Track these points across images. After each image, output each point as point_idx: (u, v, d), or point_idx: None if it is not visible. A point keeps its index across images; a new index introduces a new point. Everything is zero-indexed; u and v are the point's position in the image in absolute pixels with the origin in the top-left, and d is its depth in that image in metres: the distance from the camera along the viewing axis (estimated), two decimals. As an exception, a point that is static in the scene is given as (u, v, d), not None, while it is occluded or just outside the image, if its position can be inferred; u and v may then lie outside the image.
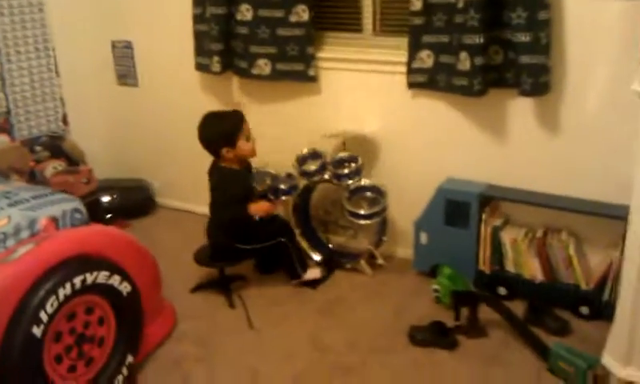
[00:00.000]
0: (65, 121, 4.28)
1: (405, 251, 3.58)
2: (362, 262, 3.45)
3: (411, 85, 3.31)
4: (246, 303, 3.24)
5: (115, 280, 2.55)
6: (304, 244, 3.56)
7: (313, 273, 3.40)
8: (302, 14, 3.45)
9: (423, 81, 3.28)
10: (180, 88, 4.06)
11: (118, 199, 4.20)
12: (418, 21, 3.19)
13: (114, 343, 2.62)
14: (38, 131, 4.12)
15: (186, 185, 4.25)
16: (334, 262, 3.53)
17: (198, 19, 3.70)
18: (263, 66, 3.58)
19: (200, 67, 3.79)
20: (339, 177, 3.34)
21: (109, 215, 4.11)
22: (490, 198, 3.19)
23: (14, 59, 3.89)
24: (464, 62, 3.01)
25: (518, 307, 3.01)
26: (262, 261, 3.50)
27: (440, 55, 3.19)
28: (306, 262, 3.42)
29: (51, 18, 4.07)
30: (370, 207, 3.31)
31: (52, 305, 2.29)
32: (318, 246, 3.61)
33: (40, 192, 2.72)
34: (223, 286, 3.33)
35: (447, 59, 3.15)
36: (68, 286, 2.35)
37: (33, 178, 3.67)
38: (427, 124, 3.38)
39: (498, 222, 3.17)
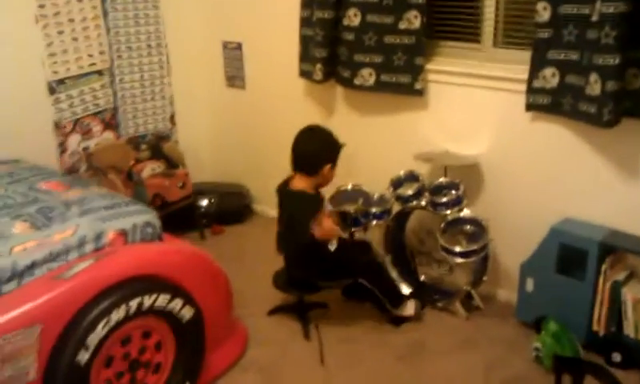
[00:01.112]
0: (172, 120, 4.25)
1: (508, 294, 3.15)
2: (457, 303, 3.06)
3: (530, 106, 2.87)
4: (323, 336, 2.97)
5: (176, 304, 2.39)
6: (394, 273, 3.23)
7: (408, 309, 3.07)
8: (414, 20, 3.12)
9: (545, 103, 2.82)
10: (285, 94, 3.88)
11: (215, 204, 4.10)
12: (544, 33, 2.75)
13: (171, 370, 2.47)
14: (145, 130, 4.13)
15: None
16: (425, 297, 3.16)
17: (304, 23, 3.49)
18: (367, 76, 3.30)
19: (303, 74, 3.58)
20: (436, 205, 2.98)
21: (204, 219, 4.03)
22: (613, 248, 2.67)
23: (124, 55, 3.91)
24: (594, 85, 2.53)
25: (633, 380, 2.53)
26: (349, 286, 3.20)
27: (567, 75, 2.72)
28: (399, 296, 3.09)
29: (165, 15, 4.05)
30: (469, 243, 2.91)
31: (103, 329, 2.16)
32: (409, 277, 3.26)
33: (114, 201, 2.63)
34: (301, 313, 3.09)
35: (575, 80, 2.68)
36: (122, 309, 2.21)
37: (130, 178, 3.65)
38: (545, 153, 2.92)
39: (620, 276, 2.66)
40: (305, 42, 3.50)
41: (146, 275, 2.32)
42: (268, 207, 4.26)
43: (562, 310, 2.77)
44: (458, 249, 2.86)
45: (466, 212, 3.00)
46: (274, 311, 3.18)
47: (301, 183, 2.91)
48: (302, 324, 3.04)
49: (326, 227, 2.82)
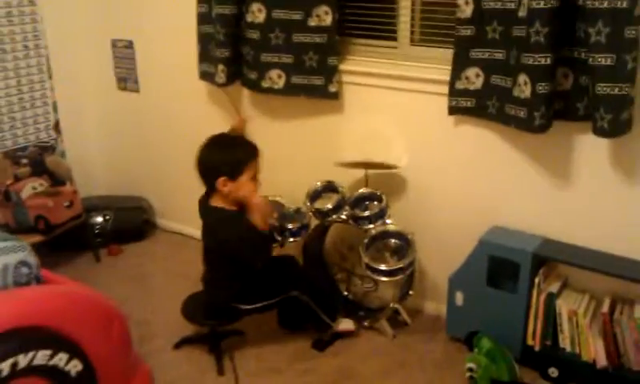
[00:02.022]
0: (57, 128, 3.77)
1: (436, 307, 2.98)
2: (383, 322, 2.84)
3: (453, 110, 2.68)
4: (239, 368, 2.67)
5: (60, 359, 2.01)
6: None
7: (345, 324, 2.84)
8: (325, 16, 2.85)
9: (469, 106, 2.64)
10: (185, 97, 3.51)
11: (110, 221, 3.68)
12: (466, 31, 2.55)
13: (61, 432, 2.08)
14: (25, 141, 3.62)
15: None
16: (351, 315, 2.92)
17: (202, 19, 3.13)
18: (276, 79, 3.00)
19: (204, 76, 3.23)
20: (358, 219, 2.73)
21: (99, 239, 3.60)
22: (546, 258, 2.54)
23: (-4, 58, 3.40)
24: (523, 87, 2.36)
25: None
26: (284, 313, 2.89)
27: (492, 75, 2.55)
28: (336, 308, 2.85)
29: (44, 12, 3.56)
30: (394, 259, 2.69)
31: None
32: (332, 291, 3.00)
33: (-19, 238, 2.18)
34: (213, 344, 2.76)
35: (501, 81, 2.50)
36: (-8, 373, 1.82)
37: (8, 199, 3.17)
38: (471, 159, 2.74)
39: (554, 287, 2.52)
40: (204, 40, 3.15)
41: (18, 329, 1.93)
42: (173, 221, 3.91)
43: (495, 324, 2.61)
44: (383, 267, 2.63)
45: (389, 225, 2.78)
46: (181, 343, 2.84)
47: (218, 199, 2.60)
48: (215, 356, 2.71)
49: (259, 206, 2.57)
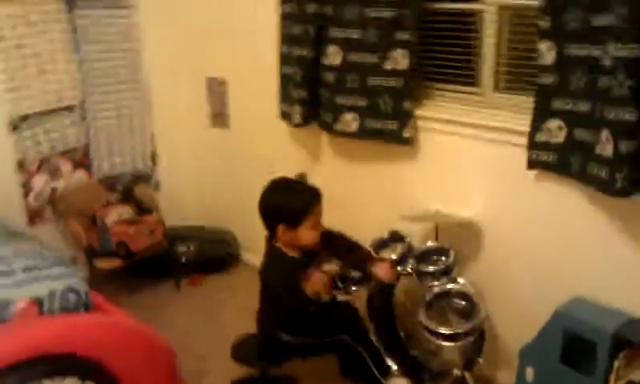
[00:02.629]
0: (153, 159, 3.93)
1: (510, 378, 2.68)
2: (444, 391, 2.62)
3: (533, 164, 2.44)
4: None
5: (90, 391, 2.03)
6: (376, 343, 2.79)
7: (399, 382, 2.64)
8: (401, 60, 2.73)
9: (550, 160, 2.39)
10: (269, 135, 3.51)
11: (194, 251, 3.75)
12: (548, 78, 2.33)
13: None
14: (122, 169, 3.81)
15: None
16: (414, 376, 2.72)
17: (284, 60, 3.13)
18: (350, 122, 2.91)
19: (284, 116, 3.21)
20: (421, 274, 2.56)
21: (181, 268, 3.68)
22: (629, 341, 2.21)
23: (98, 90, 3.61)
24: (605, 144, 2.10)
25: None
26: (345, 360, 2.73)
27: (575, 129, 2.29)
28: (386, 366, 2.66)
29: (145, 48, 3.74)
30: (458, 322, 2.47)
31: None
32: (397, 350, 2.81)
33: (36, 262, 2.26)
34: (265, 385, 2.69)
35: (585, 136, 2.24)
36: (12, 399, 1.86)
37: (94, 223, 3.33)
38: (552, 218, 2.48)
39: (636, 375, 2.18)
40: (284, 81, 3.15)
41: (47, 355, 1.97)
42: (255, 255, 3.88)
43: (567, 407, 2.32)
44: (443, 330, 2.42)
45: (458, 283, 2.57)
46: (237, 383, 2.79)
47: (280, 241, 2.55)
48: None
49: (314, 282, 2.46)
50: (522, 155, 2.46)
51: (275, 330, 2.57)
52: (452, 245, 2.64)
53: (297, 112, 3.03)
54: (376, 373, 2.59)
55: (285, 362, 2.66)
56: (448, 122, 2.74)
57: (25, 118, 3.35)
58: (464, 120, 2.70)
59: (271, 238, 2.61)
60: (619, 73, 2.00)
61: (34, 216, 3.48)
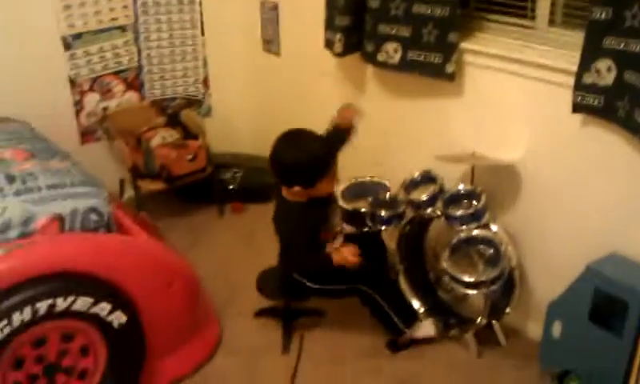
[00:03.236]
0: (206, 84, 3.93)
1: (539, 331, 2.56)
2: (469, 336, 2.53)
3: (578, 107, 2.24)
4: (305, 351, 2.58)
5: (102, 309, 2.09)
6: (405, 285, 2.74)
7: (424, 329, 2.61)
8: (448, -14, 2.54)
9: (595, 104, 2.18)
10: (319, 64, 3.40)
11: (238, 178, 3.76)
12: (600, 13, 2.10)
13: (102, 378, 2.19)
14: (173, 92, 3.83)
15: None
16: (440, 318, 2.66)
17: (330, -17, 2.99)
18: (392, 52, 2.77)
19: (327, 44, 3.09)
20: (449, 218, 2.44)
21: (225, 195, 3.71)
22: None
23: (151, 11, 3.60)
24: (654, 88, 1.89)
25: None
26: (370, 305, 2.66)
27: (626, 71, 2.07)
28: (412, 313, 2.63)
29: (199, -31, 3.69)
30: (484, 269, 2.36)
31: (1, 332, 1.91)
32: (425, 291, 2.75)
33: (61, 180, 2.31)
34: (287, 320, 2.70)
35: (635, 80, 2.03)
36: (27, 310, 1.95)
37: (139, 144, 3.38)
38: (597, 169, 2.29)
39: (669, 341, 2.03)
40: (329, 6, 3.01)
41: (64, 272, 2.03)
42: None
43: (593, 366, 2.20)
44: (466, 278, 2.32)
45: (489, 228, 2.45)
46: (261, 313, 2.82)
47: (290, 191, 2.48)
48: (283, 333, 2.66)
49: (345, 257, 2.38)
50: (570, 97, 2.26)
51: (293, 273, 2.55)
52: (487, 189, 2.50)
53: (338, 40, 2.90)
54: (399, 324, 2.53)
55: (307, 298, 2.65)
56: (496, 57, 2.54)
57: (78, 35, 3.40)
58: (513, 56, 2.49)
59: (279, 186, 2.54)
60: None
61: (85, 135, 3.59)
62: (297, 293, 2.60)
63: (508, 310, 2.52)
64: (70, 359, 2.12)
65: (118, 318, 2.13)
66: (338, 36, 2.90)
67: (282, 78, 3.74)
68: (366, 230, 2.67)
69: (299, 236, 2.44)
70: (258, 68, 3.90)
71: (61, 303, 1.99)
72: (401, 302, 2.58)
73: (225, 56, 3.89)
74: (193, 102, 3.90)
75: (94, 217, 2.23)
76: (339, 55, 2.95)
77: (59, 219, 2.15)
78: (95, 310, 2.06)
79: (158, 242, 2.42)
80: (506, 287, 2.46)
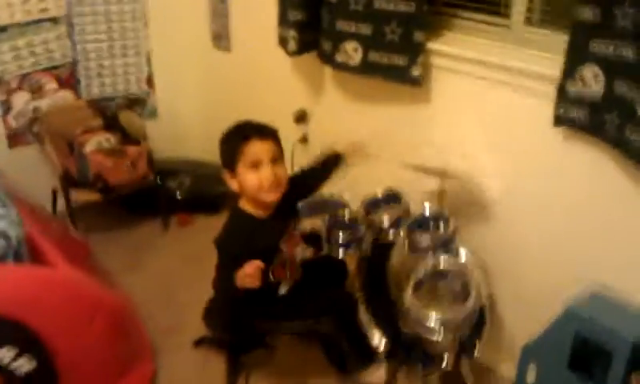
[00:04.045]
0: (149, 82, 3.56)
1: (512, 370, 2.28)
2: (434, 377, 2.24)
3: (560, 119, 1.96)
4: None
5: (5, 355, 1.75)
6: (365, 316, 2.42)
7: (375, 374, 2.28)
8: (414, -21, 2.23)
9: (580, 117, 1.90)
10: (272, 64, 3.07)
11: (186, 187, 3.42)
12: (586, 13, 1.81)
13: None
14: (113, 91, 3.46)
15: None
16: (401, 356, 2.36)
17: (282, -27, 2.66)
18: (352, 52, 2.45)
19: (281, 41, 2.76)
20: (414, 246, 2.14)
21: (170, 206, 3.37)
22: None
23: (87, 1, 3.22)
24: (650, 102, 1.61)
25: None
26: (330, 349, 2.39)
27: (615, 80, 1.79)
28: (370, 354, 2.30)
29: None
30: (451, 307, 2.06)
31: None
32: (386, 323, 2.44)
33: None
34: (232, 353, 2.38)
35: (625, 90, 1.75)
36: None
37: (72, 150, 3.01)
38: (579, 192, 2.01)
39: (662, 396, 1.76)
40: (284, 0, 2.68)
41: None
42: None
43: (572, 420, 1.92)
44: (431, 321, 2.01)
45: (457, 257, 2.15)
46: (201, 342, 2.50)
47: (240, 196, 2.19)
48: (228, 371, 2.33)
49: (248, 274, 1.92)
50: (550, 108, 1.98)
51: (233, 308, 2.19)
52: (457, 209, 2.20)
53: (292, 38, 2.58)
54: (353, 367, 2.23)
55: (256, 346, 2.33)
56: (466, 59, 2.25)
57: (3, 28, 3.03)
58: (486, 58, 2.20)
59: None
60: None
61: (14, 137, 3.21)
62: (243, 331, 2.27)
63: (477, 348, 2.23)
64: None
65: (26, 364, 1.79)
66: (292, 33, 2.58)
67: (233, 76, 3.40)
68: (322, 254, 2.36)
69: (232, 249, 2.07)
70: (207, 65, 3.55)
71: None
72: (361, 340, 2.26)
73: (171, 52, 3.53)
74: (135, 102, 3.54)
75: (0, 242, 1.88)
76: (293, 54, 2.63)
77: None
78: (-6, 357, 1.73)
79: (77, 271, 2.07)
80: (476, 323, 2.16)
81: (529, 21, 2.19)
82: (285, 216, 2.14)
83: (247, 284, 1.92)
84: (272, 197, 2.09)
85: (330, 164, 2.34)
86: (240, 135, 2.09)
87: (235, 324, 2.23)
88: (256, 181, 2.05)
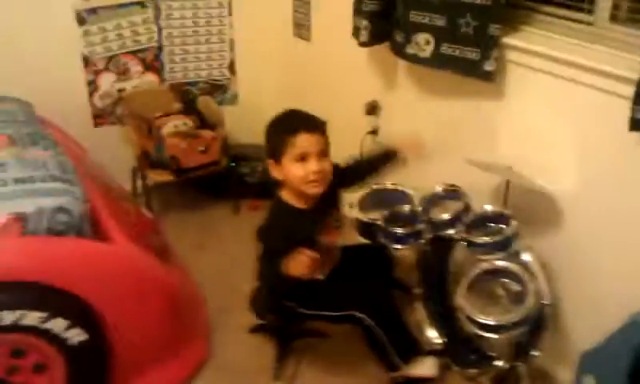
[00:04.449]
0: (231, 69, 3.64)
1: (572, 377, 2.16)
2: (488, 378, 2.16)
3: (636, 124, 1.82)
4: (296, 380, 2.27)
5: (55, 325, 1.84)
6: (422, 312, 2.39)
7: (422, 367, 2.23)
8: (491, -30, 2.15)
9: (659, 122, 1.77)
10: (350, 53, 3.04)
11: (258, 173, 3.46)
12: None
13: (59, 399, 1.94)
14: (196, 76, 3.56)
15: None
16: (458, 353, 2.30)
17: (360, -37, 2.63)
18: (423, 44, 2.39)
19: (354, 32, 2.73)
20: (472, 244, 2.07)
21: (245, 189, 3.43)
22: None
23: (173, -13, 3.33)
24: None
25: None
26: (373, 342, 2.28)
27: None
28: (413, 347, 2.25)
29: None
30: (509, 308, 1.98)
31: None
32: (442, 320, 2.38)
33: (31, 174, 2.06)
34: (283, 341, 2.39)
35: None
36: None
37: (150, 131, 3.12)
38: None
39: None
40: (359, -11, 2.66)
41: (10, 283, 1.77)
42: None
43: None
44: (483, 319, 1.94)
45: (523, 259, 2.06)
46: (256, 330, 2.52)
47: (285, 188, 2.16)
48: (277, 357, 2.35)
49: (294, 266, 1.91)
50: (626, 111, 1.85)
51: (276, 295, 2.20)
52: (523, 211, 2.11)
53: (364, 28, 2.56)
54: (393, 358, 2.17)
55: (299, 322, 2.33)
56: (544, 56, 2.13)
57: (93, 10, 3.17)
58: (565, 57, 2.07)
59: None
60: None
61: (99, 117, 3.37)
62: (290, 317, 2.27)
63: (536, 352, 2.13)
64: (22, 376, 1.88)
65: (77, 335, 1.87)
66: (364, 23, 2.55)
67: (312, 65, 3.41)
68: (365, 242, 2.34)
69: (273, 239, 2.08)
70: (288, 54, 3.58)
71: (7, 317, 1.75)
72: (401, 333, 2.20)
73: (253, 39, 3.58)
74: (217, 88, 3.62)
75: (62, 218, 1.97)
76: (364, 45, 2.61)
77: (22, 219, 1.90)
78: (48, 325, 1.82)
79: (136, 248, 2.13)
80: (535, 326, 2.07)
81: (614, 18, 2.06)
82: (327, 206, 2.13)
83: (299, 272, 1.92)
84: (316, 190, 2.06)
85: (382, 159, 2.30)
86: (289, 127, 2.05)
87: (279, 311, 2.23)
88: (302, 173, 2.02)
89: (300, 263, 1.89)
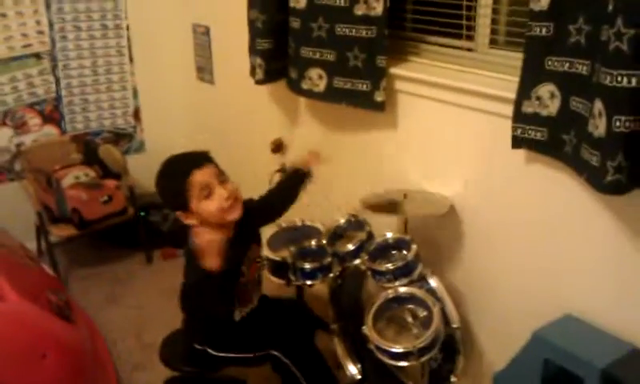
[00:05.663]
0: (137, 116, 3.57)
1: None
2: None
3: (518, 141, 1.88)
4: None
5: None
6: (339, 347, 2.35)
7: None
8: (375, 4, 2.20)
9: (539, 138, 1.83)
10: (254, 94, 3.04)
11: (170, 221, 3.38)
12: (540, 29, 1.75)
13: None
14: (99, 126, 3.48)
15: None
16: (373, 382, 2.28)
17: (251, 2, 2.65)
18: (316, 79, 2.42)
19: (251, 70, 2.75)
20: (374, 272, 2.07)
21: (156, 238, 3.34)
22: (621, 381, 1.66)
23: (70, 36, 3.26)
24: (597, 119, 1.53)
25: None
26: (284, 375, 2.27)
27: (572, 97, 1.71)
28: (328, 380, 2.21)
29: (126, -10, 3.36)
30: (421, 332, 1.97)
31: None
32: (361, 353, 2.35)
33: None
34: (196, 391, 2.31)
35: (582, 107, 1.67)
36: None
37: (50, 185, 3.01)
38: (544, 214, 1.92)
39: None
40: (251, 27, 2.68)
41: None
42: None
43: None
44: (388, 347, 1.92)
45: (429, 283, 2.07)
46: (170, 382, 2.42)
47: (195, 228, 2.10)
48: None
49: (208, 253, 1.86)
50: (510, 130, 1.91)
51: (197, 341, 2.14)
52: (424, 236, 2.14)
53: (258, 66, 2.56)
54: None
55: (216, 370, 2.25)
56: (429, 84, 2.19)
57: (-15, 64, 3.08)
58: (448, 83, 2.14)
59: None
60: (619, 20, 1.41)
61: (-4, 173, 3.24)
62: (203, 363, 2.20)
63: (453, 379, 2.13)
64: None
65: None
66: (259, 61, 2.56)
67: (217, 108, 3.39)
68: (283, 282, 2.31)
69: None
70: (193, 98, 3.55)
71: None
72: (318, 370, 2.17)
73: (157, 86, 3.55)
74: (123, 136, 3.55)
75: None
76: (260, 82, 2.61)
77: None
78: None
79: (29, 305, 2.03)
80: (450, 351, 2.08)
81: (494, 42, 2.14)
82: (247, 239, 2.10)
83: (214, 256, 1.85)
84: (236, 213, 2.00)
85: (294, 179, 2.26)
86: (178, 173, 1.98)
87: (192, 359, 2.16)
88: (217, 205, 1.95)
89: (212, 249, 1.84)
